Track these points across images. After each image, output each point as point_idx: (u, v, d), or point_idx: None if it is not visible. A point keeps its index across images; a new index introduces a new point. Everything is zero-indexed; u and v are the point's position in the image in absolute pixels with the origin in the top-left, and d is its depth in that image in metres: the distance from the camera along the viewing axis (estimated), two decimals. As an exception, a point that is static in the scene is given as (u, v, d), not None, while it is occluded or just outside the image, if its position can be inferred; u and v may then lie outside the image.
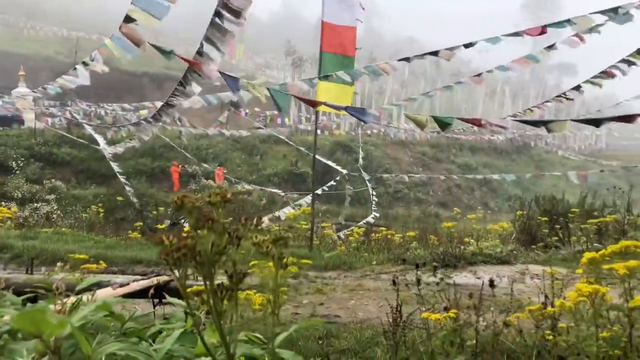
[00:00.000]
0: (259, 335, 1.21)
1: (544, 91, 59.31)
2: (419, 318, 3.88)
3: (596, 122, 5.54)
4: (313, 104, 6.45)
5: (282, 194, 26.87)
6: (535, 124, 5.73)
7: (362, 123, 42.72)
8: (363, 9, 11.22)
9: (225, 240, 0.90)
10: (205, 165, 30.97)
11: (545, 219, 11.23)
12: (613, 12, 5.59)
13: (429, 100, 53.76)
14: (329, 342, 4.99)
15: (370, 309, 6.36)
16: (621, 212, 10.68)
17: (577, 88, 9.53)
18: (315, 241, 12.15)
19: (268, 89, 5.84)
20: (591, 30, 6.39)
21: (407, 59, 7.71)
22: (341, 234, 15.69)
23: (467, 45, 7.06)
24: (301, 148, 32.86)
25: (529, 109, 16.12)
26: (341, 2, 10.27)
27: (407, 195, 35.91)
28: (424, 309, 4.24)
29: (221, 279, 0.93)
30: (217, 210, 0.89)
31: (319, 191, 22.72)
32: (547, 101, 11.99)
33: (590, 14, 5.81)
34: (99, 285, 2.61)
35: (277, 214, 18.66)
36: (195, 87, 6.22)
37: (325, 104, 6.56)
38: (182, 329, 1.44)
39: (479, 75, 10.08)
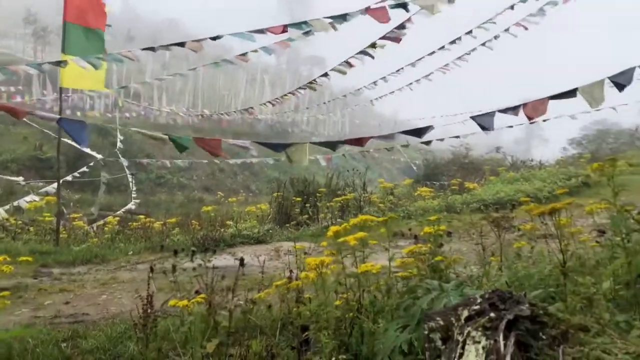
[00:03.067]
0: None
1: (299, 80, 63.86)
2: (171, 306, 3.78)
3: (332, 146, 6.20)
4: (16, 113, 5.62)
5: (22, 182, 23.46)
6: (275, 147, 5.99)
7: (120, 105, 39.91)
8: None
9: None
10: None
11: (299, 199, 12.12)
12: (342, 18, 6.26)
13: (192, 87, 53.09)
14: (75, 344, 4.54)
15: (124, 301, 5.99)
16: (358, 190, 12.23)
17: (325, 75, 10.56)
18: (64, 234, 10.96)
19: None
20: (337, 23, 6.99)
21: (152, 49, 7.34)
22: (94, 226, 14.45)
23: (213, 38, 7.05)
24: (46, 130, 29.15)
25: (284, 95, 17.15)
26: (84, -30, 9.33)
27: (170, 180, 34.99)
28: (180, 296, 4.15)
29: None
30: None
31: (68, 178, 20.53)
32: (299, 88, 12.95)
33: (325, 17, 6.41)
34: None
35: (16, 203, 16.21)
36: None
37: (31, 113, 5.80)
38: None
39: (244, 54, 10.23)
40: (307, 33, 7.61)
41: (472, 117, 5.67)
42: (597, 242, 3.56)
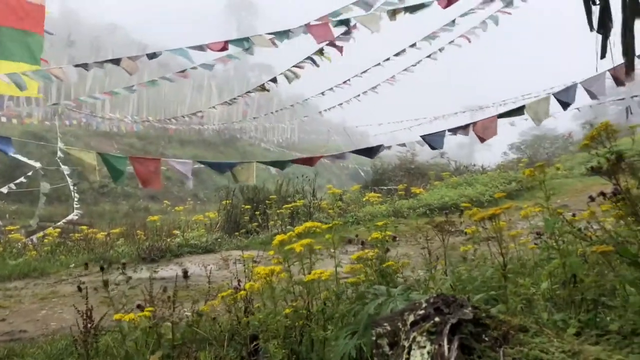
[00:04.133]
0: None
1: (247, 87, 63.45)
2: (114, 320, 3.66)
3: (281, 165, 6.18)
4: None
5: (-48, 194, 22.09)
6: (220, 167, 5.81)
7: (59, 112, 38.38)
8: None
9: None
10: None
11: (248, 206, 12.01)
12: (285, 36, 6.27)
13: (136, 93, 51.65)
14: (11, 363, 4.32)
15: (66, 316, 5.75)
16: (308, 197, 12.27)
17: (274, 80, 10.56)
18: (-2, 248, 10.42)
19: None
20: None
21: (85, 66, 7.10)
22: (34, 238, 13.80)
23: (150, 56, 6.88)
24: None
25: (234, 98, 17.02)
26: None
27: (114, 189, 33.84)
28: (123, 310, 4.02)
29: None
30: None
31: (4, 189, 19.62)
32: (249, 91, 12.90)
33: (267, 34, 6.40)
34: None
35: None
36: None
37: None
38: None
39: (183, 71, 10.17)
40: (248, 50, 7.57)
41: (422, 137, 5.78)
42: (535, 244, 3.71)
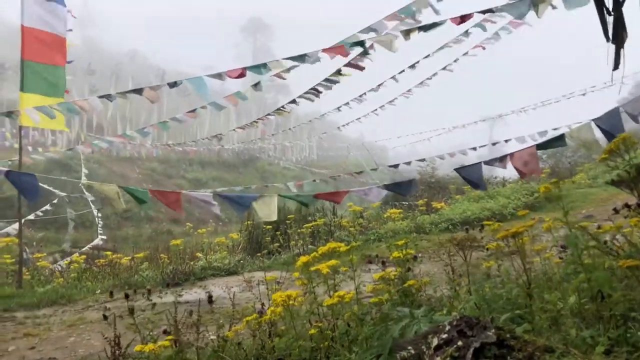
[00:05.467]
0: None
1: (264, 107, 63.98)
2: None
3: (306, 201, 6.18)
4: None
5: (-19, 223, 22.59)
6: (241, 202, 5.70)
7: (82, 139, 39.20)
8: (74, 16, 10.40)
9: None
10: None
11: (269, 226, 12.02)
12: (301, 59, 6.34)
13: (157, 118, 52.46)
14: (42, 392, 4.39)
15: (94, 343, 5.82)
16: (329, 215, 12.26)
17: (293, 102, 10.68)
18: (27, 275, 10.60)
19: None
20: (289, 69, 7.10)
21: (108, 97, 7.34)
22: (61, 264, 14.03)
23: (171, 85, 7.08)
24: (3, 168, 28.24)
25: (254, 121, 17.22)
26: (44, 7, 9.24)
27: (136, 214, 34.24)
28: (149, 333, 4.05)
29: None
30: None
31: (31, 217, 20.06)
32: (269, 114, 13.07)
33: (284, 59, 6.50)
34: None
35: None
36: None
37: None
38: None
39: (193, 111, 10.54)
40: (255, 86, 7.65)
41: (457, 170, 5.72)
42: (560, 258, 3.66)
